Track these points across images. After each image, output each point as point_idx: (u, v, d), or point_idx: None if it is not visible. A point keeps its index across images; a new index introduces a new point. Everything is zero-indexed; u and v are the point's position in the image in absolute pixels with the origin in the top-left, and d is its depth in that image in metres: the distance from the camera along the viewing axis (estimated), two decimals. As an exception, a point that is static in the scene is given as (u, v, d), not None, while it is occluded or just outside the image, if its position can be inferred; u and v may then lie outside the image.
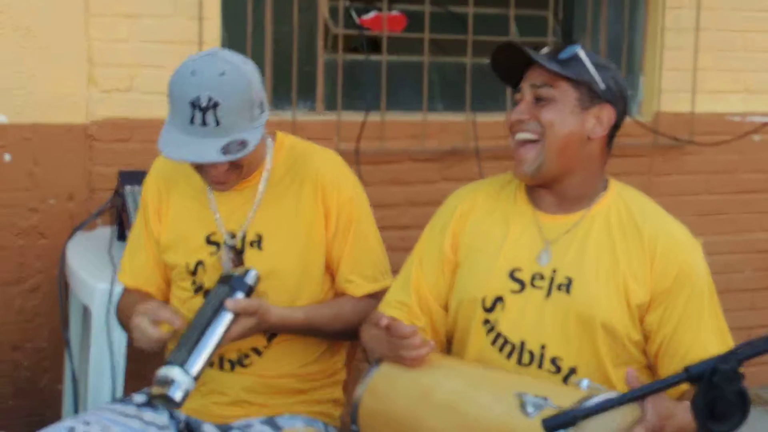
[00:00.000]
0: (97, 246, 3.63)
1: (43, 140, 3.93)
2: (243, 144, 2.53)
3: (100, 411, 2.78)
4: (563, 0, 4.12)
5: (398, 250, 2.77)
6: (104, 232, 3.76)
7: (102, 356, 3.33)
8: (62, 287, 3.74)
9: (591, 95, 2.46)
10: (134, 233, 2.94)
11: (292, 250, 2.72)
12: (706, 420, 1.84)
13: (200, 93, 2.48)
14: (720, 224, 5.05)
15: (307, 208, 2.72)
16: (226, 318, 2.56)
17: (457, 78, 4.60)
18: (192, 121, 2.50)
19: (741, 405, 1.85)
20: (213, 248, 2.76)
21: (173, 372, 2.46)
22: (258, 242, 2.73)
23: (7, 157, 3.91)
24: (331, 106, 4.40)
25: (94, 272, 3.42)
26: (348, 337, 2.85)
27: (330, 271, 2.79)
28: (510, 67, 2.54)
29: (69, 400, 3.66)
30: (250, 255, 2.72)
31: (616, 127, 2.51)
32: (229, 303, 2.56)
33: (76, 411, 3.54)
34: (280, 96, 4.34)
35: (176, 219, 2.83)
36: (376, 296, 2.77)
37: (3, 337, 4.01)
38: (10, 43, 3.85)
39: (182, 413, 2.81)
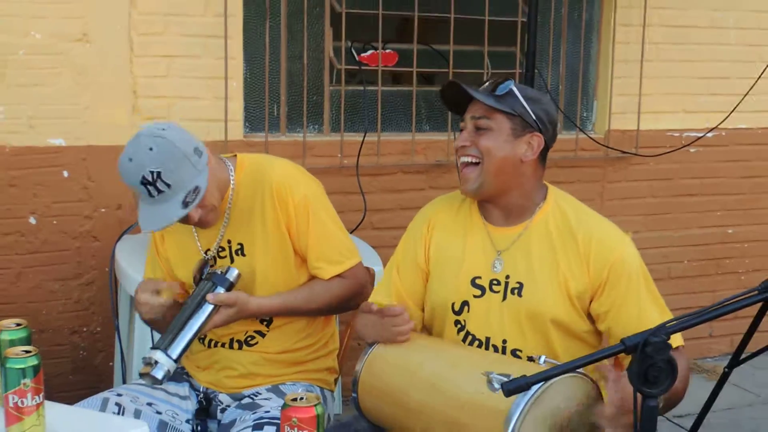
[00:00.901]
0: (140, 246, 3.59)
1: (96, 160, 3.93)
2: (196, 190, 2.51)
3: (131, 385, 2.78)
4: (528, 37, 4.08)
5: (392, 247, 2.74)
6: (147, 235, 3.73)
7: (144, 338, 3.32)
8: (113, 281, 3.73)
9: (523, 125, 2.42)
10: (150, 252, 2.93)
11: (267, 252, 2.70)
12: (640, 384, 1.84)
13: (142, 172, 2.46)
14: (662, 222, 5.05)
15: (270, 215, 2.69)
16: (207, 309, 2.56)
17: (440, 104, 4.52)
18: (150, 194, 2.48)
19: (670, 371, 1.84)
20: (210, 262, 2.75)
21: (157, 355, 2.47)
22: (241, 250, 2.72)
23: (65, 173, 3.91)
24: (335, 128, 4.40)
25: (138, 268, 3.35)
26: (325, 313, 2.85)
27: (304, 260, 2.77)
28: (457, 100, 2.50)
29: (118, 375, 3.65)
30: (237, 261, 2.71)
31: (546, 149, 2.48)
32: (209, 296, 2.57)
33: (124, 384, 3.52)
34: (293, 121, 4.33)
35: (176, 241, 2.82)
36: (343, 275, 2.75)
37: (64, 323, 4.02)
38: (68, 80, 3.85)
39: (201, 385, 2.82)
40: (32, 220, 3.89)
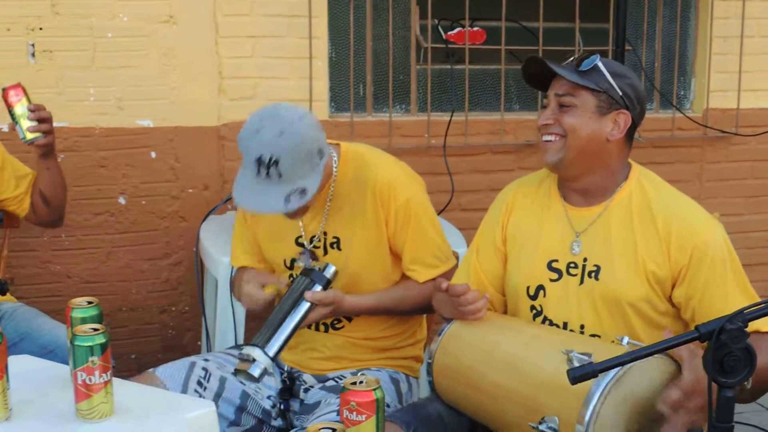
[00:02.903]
0: (225, 227, 3.61)
1: (183, 140, 3.98)
2: (303, 192, 2.45)
3: (219, 353, 2.82)
4: (622, 13, 3.98)
5: (479, 228, 2.73)
6: (232, 215, 3.75)
7: (226, 317, 3.35)
8: (198, 261, 3.78)
9: (609, 102, 2.34)
10: (237, 226, 2.91)
11: (362, 249, 2.69)
12: (715, 374, 1.76)
13: (263, 152, 2.41)
14: (763, 205, 4.86)
15: (370, 212, 2.67)
16: (304, 307, 2.55)
17: (531, 82, 4.50)
18: (258, 173, 2.43)
19: (748, 360, 1.76)
20: (301, 249, 2.74)
21: (255, 352, 2.47)
22: (336, 244, 2.71)
23: (153, 154, 3.96)
24: (422, 108, 4.36)
25: (220, 249, 3.42)
26: (416, 314, 2.83)
27: (399, 258, 2.75)
28: (540, 76, 2.44)
29: (204, 353, 3.67)
30: (331, 254, 2.70)
31: (634, 127, 2.40)
32: (307, 294, 2.55)
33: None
34: (379, 101, 4.31)
35: (271, 222, 2.79)
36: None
37: (153, 302, 4.09)
38: (155, 62, 3.90)
39: (285, 364, 2.83)
40: (121, 201, 3.96)
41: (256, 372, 2.45)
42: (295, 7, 3.99)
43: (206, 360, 2.71)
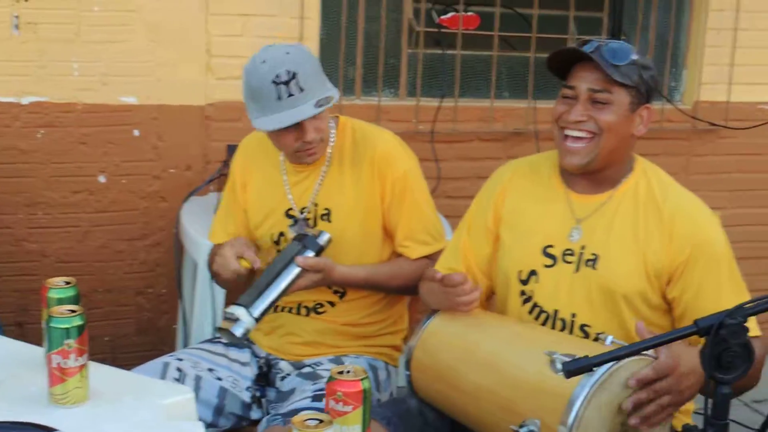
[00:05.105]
0: (206, 209, 3.56)
1: (167, 119, 3.89)
2: (329, 99, 2.46)
3: (192, 350, 2.77)
4: (617, 1, 3.92)
5: (466, 217, 2.67)
6: (214, 197, 3.70)
7: (205, 301, 3.31)
8: (177, 243, 3.70)
9: (639, 97, 2.28)
10: (224, 201, 2.87)
11: (355, 221, 2.64)
12: (713, 370, 1.73)
13: (277, 71, 2.41)
14: (750, 199, 4.81)
15: (366, 183, 2.62)
16: (294, 272, 2.50)
17: (521, 70, 4.45)
18: (279, 97, 2.42)
19: (746, 356, 1.73)
20: (291, 221, 2.69)
21: (239, 312, 2.42)
22: (327, 215, 2.65)
23: (136, 132, 3.88)
24: (411, 93, 4.28)
25: (201, 231, 3.34)
26: (406, 292, 2.77)
27: (390, 235, 2.69)
28: (561, 62, 2.34)
29: (181, 337, 3.63)
30: (321, 226, 2.64)
31: None
32: (299, 259, 2.50)
33: (185, 347, 3.50)
34: (368, 84, 4.24)
35: (259, 194, 2.75)
36: (430, 257, 2.67)
37: (129, 284, 4.02)
38: (141, 38, 3.81)
39: (262, 351, 2.77)
40: (101, 179, 3.88)
41: (238, 331, 2.40)
42: (287, -14, 3.91)
43: (180, 359, 2.65)
